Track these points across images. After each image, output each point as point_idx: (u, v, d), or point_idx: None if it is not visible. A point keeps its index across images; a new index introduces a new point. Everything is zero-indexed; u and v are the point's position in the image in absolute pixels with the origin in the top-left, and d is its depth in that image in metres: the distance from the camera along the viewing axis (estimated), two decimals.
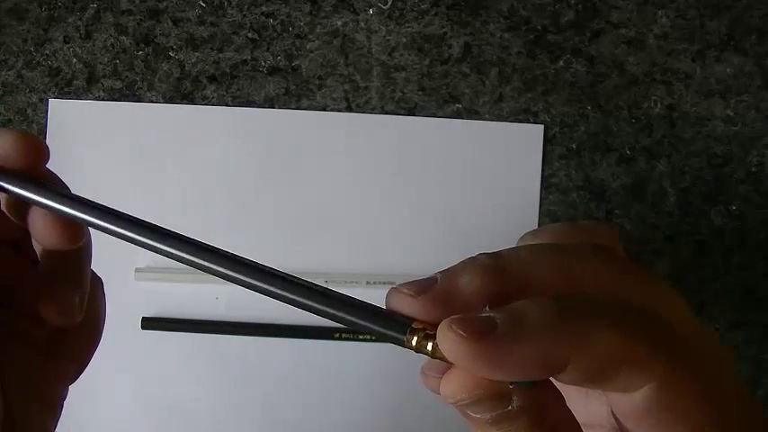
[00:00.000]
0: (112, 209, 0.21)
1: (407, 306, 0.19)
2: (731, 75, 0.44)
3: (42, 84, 0.45)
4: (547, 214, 0.44)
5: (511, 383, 0.18)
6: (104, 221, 0.21)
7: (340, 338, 0.43)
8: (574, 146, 0.44)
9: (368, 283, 0.43)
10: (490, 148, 0.44)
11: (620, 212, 0.44)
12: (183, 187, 0.44)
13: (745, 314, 0.44)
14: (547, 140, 0.44)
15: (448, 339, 0.17)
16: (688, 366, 0.18)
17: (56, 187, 0.22)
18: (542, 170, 0.44)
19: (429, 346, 0.18)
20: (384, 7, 0.45)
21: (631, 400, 0.18)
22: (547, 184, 0.44)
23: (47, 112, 0.45)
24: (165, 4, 0.45)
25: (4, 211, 0.23)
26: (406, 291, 0.19)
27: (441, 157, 0.44)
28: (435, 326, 0.18)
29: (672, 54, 0.45)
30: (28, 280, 0.25)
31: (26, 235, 0.24)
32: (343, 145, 0.44)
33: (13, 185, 0.22)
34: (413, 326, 0.18)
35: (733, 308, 0.44)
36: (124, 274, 0.44)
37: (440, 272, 0.19)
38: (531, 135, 0.44)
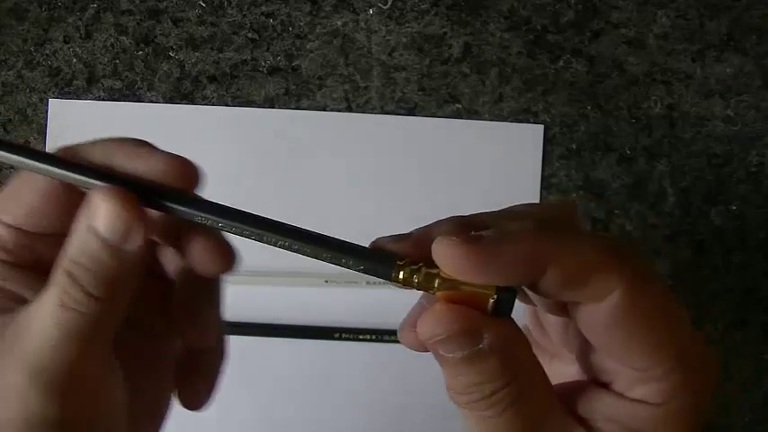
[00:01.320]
0: (272, 220, 0.23)
1: (392, 247, 0.21)
2: (731, 75, 0.44)
3: (42, 84, 0.45)
4: None
5: (494, 296, 0.19)
6: (274, 233, 0.22)
7: (340, 338, 0.43)
8: (574, 146, 0.44)
9: (367, 283, 0.43)
10: (490, 148, 0.44)
11: (620, 212, 0.44)
12: None
13: (745, 314, 0.44)
14: (547, 140, 0.44)
15: (443, 245, 0.19)
16: (651, 280, 0.20)
17: (218, 204, 0.23)
18: (542, 170, 0.44)
19: (414, 278, 0.20)
20: (384, 7, 0.45)
21: (601, 310, 0.20)
22: (547, 184, 0.44)
23: (47, 112, 0.45)
24: (165, 4, 0.45)
25: (155, 238, 0.23)
26: (388, 237, 0.21)
27: (441, 157, 0.44)
28: (417, 262, 0.20)
29: (672, 54, 0.45)
30: (167, 303, 0.25)
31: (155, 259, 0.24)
32: (343, 145, 0.44)
33: (180, 206, 0.22)
34: (398, 262, 0.21)
35: (733, 308, 0.44)
36: None
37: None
38: (531, 135, 0.44)
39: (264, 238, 0.22)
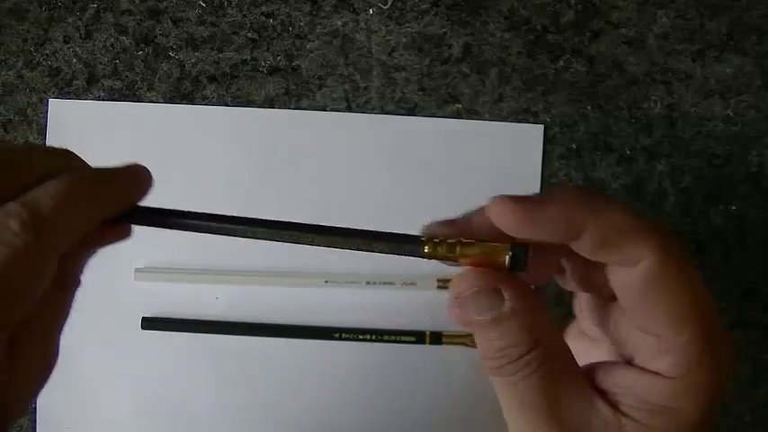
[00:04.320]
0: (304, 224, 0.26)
1: (442, 230, 0.24)
2: (731, 75, 0.44)
3: (42, 84, 0.45)
4: None
5: (509, 252, 0.22)
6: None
7: (340, 338, 0.43)
8: (574, 146, 0.44)
9: (367, 283, 0.43)
10: (490, 148, 0.44)
11: None
12: (182, 187, 0.44)
13: (745, 314, 0.44)
14: (547, 140, 0.44)
15: (494, 204, 0.22)
16: (682, 255, 0.22)
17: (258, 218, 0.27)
18: (542, 170, 0.44)
19: (438, 249, 0.23)
20: (384, 7, 0.45)
21: (634, 274, 0.21)
22: (547, 184, 0.44)
23: (47, 112, 0.45)
24: (165, 4, 0.45)
25: None
26: (437, 222, 0.24)
27: (441, 157, 0.44)
28: (445, 240, 0.23)
29: (672, 54, 0.45)
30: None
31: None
32: (343, 145, 0.44)
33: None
34: (423, 238, 0.23)
35: (733, 308, 0.44)
36: (124, 274, 0.44)
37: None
38: (531, 135, 0.44)
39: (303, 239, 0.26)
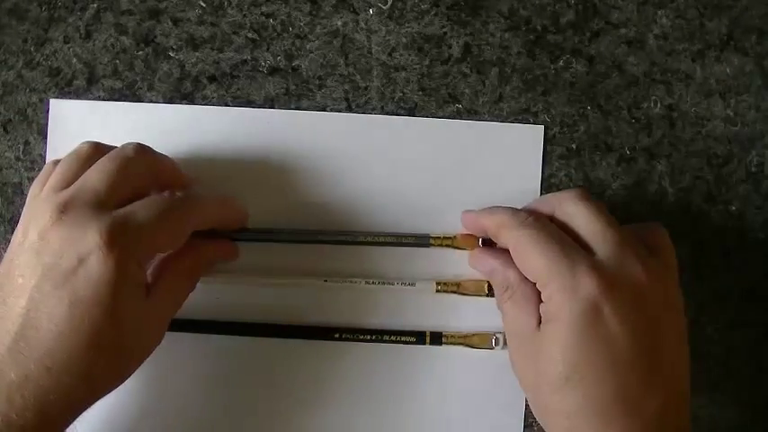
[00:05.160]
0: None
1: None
2: (731, 75, 0.45)
3: (42, 84, 0.45)
4: None
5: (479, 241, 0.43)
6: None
7: (340, 338, 0.43)
8: (574, 146, 0.44)
9: (367, 282, 0.43)
10: (490, 148, 0.44)
11: (620, 212, 0.44)
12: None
13: (745, 314, 0.44)
14: (547, 140, 0.44)
15: (464, 216, 0.43)
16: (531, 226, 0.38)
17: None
18: (542, 170, 0.44)
19: (442, 242, 0.43)
20: (384, 7, 0.45)
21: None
22: (547, 184, 0.44)
23: (47, 112, 0.45)
24: (165, 4, 0.45)
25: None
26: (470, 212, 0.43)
27: (441, 157, 0.44)
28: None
29: (672, 54, 0.45)
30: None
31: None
32: (343, 145, 0.44)
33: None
34: (432, 236, 0.42)
35: (733, 308, 0.44)
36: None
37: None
38: (531, 135, 0.44)
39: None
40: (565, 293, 0.33)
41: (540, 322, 0.35)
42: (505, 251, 0.38)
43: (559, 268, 0.34)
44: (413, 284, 0.43)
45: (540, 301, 0.36)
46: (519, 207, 0.40)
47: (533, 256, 0.35)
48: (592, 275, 0.33)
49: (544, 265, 0.34)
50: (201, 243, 0.40)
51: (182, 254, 0.39)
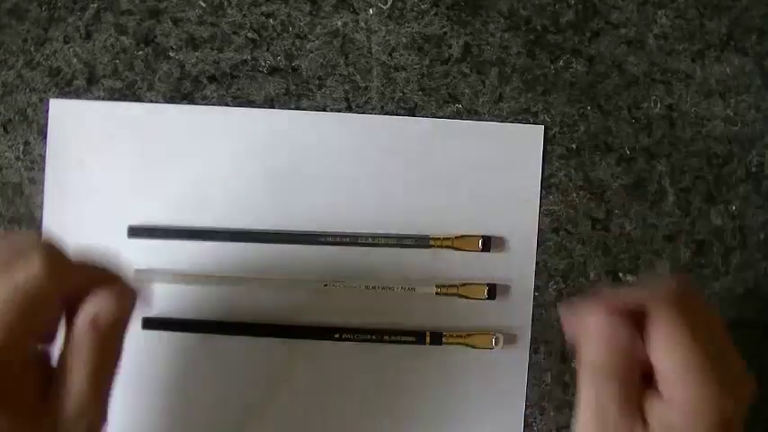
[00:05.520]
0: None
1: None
2: (731, 75, 0.44)
3: (42, 84, 0.45)
4: (547, 214, 0.44)
5: None
6: None
7: (340, 339, 0.43)
8: (574, 146, 0.44)
9: (366, 287, 0.43)
10: (490, 148, 0.44)
11: (620, 212, 0.44)
12: (182, 187, 0.44)
13: (745, 314, 0.44)
14: (547, 140, 0.44)
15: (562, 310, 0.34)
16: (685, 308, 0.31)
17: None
18: (542, 170, 0.44)
19: (442, 244, 0.40)
20: (384, 7, 0.45)
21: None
22: (547, 184, 0.44)
23: (47, 112, 0.45)
24: (165, 4, 0.45)
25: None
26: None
27: (441, 157, 0.44)
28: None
29: (672, 54, 0.45)
30: None
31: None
32: (343, 145, 0.44)
33: None
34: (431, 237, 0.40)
35: (733, 308, 0.44)
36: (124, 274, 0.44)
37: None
38: (531, 135, 0.44)
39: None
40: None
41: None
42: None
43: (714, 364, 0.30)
44: (413, 289, 0.43)
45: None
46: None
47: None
48: None
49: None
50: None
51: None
